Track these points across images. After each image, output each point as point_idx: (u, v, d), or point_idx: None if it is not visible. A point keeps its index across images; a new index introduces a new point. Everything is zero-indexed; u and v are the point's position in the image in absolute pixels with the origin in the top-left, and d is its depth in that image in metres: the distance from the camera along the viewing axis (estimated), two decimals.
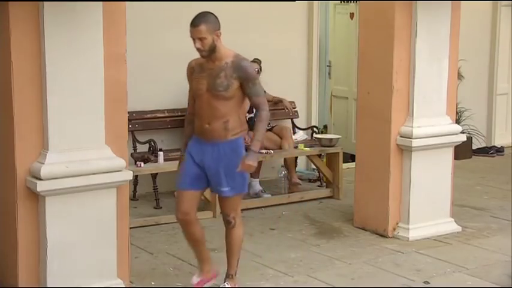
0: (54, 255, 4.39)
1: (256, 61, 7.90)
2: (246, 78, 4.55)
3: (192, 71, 4.72)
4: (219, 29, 4.60)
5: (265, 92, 8.03)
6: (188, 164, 4.70)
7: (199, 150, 4.66)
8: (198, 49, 4.53)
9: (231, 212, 4.75)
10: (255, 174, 7.48)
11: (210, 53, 4.55)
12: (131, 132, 7.15)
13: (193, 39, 4.52)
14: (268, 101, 7.99)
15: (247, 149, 4.59)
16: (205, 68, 4.61)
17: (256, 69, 7.83)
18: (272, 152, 7.30)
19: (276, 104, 8.22)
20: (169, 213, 6.72)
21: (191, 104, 4.77)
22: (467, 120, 9.50)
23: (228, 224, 4.80)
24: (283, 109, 8.23)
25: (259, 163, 7.40)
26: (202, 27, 4.50)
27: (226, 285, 4.83)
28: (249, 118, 7.73)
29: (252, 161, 4.50)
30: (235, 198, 4.73)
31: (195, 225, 4.78)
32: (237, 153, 4.61)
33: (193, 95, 4.70)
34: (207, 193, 6.76)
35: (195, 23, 4.52)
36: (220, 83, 4.52)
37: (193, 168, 4.68)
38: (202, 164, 4.65)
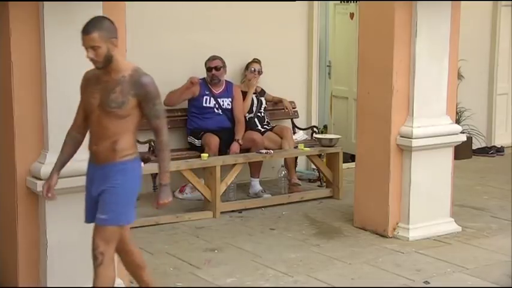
0: (54, 255, 4.39)
1: (256, 61, 7.91)
2: (145, 97, 4.04)
3: (87, 83, 4.08)
4: (115, 36, 3.99)
5: (265, 92, 8.10)
6: (86, 194, 4.15)
7: (91, 176, 4.12)
8: (91, 60, 3.95)
9: (100, 244, 4.00)
10: (255, 174, 7.48)
11: (105, 64, 3.98)
12: None
13: (86, 49, 3.92)
14: (268, 101, 8.09)
15: (159, 185, 4.21)
16: (101, 80, 4.02)
17: (257, 70, 7.85)
18: (272, 152, 7.30)
19: (276, 104, 8.23)
20: (169, 213, 6.73)
21: (77, 118, 4.14)
22: (467, 120, 9.50)
23: (95, 260, 4.02)
24: (283, 109, 8.24)
25: (260, 163, 7.41)
26: (95, 35, 3.90)
27: None
28: (248, 118, 7.75)
29: (166, 199, 4.15)
30: (110, 229, 4.02)
31: (128, 255, 4.31)
32: (126, 177, 4.06)
33: (84, 110, 4.09)
34: (207, 193, 6.77)
35: (87, 29, 3.90)
36: (114, 98, 3.96)
37: (89, 197, 4.13)
38: (95, 191, 4.07)
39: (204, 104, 7.49)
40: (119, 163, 4.03)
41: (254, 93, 7.88)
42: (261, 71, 7.89)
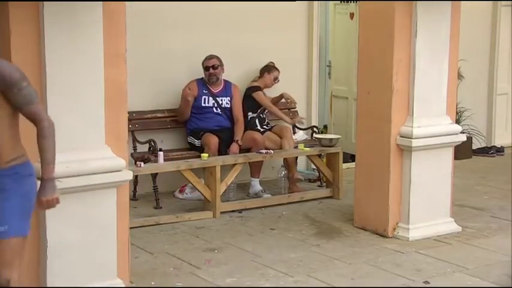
0: (54, 255, 4.39)
1: (271, 64, 7.92)
2: (4, 84, 3.42)
3: None
4: None
5: (265, 94, 8.09)
6: None
7: None
8: None
9: (6, 266, 3.46)
10: (255, 174, 7.48)
11: None
12: (131, 132, 7.15)
13: None
14: (271, 102, 8.08)
15: (41, 180, 3.56)
16: None
17: (277, 79, 7.89)
18: (272, 152, 7.30)
19: (277, 103, 8.22)
20: (169, 213, 6.74)
21: None
22: (467, 120, 9.50)
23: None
24: (286, 102, 8.23)
25: (260, 163, 7.40)
26: None
27: None
28: (250, 118, 7.74)
29: (50, 195, 3.53)
30: (14, 242, 3.49)
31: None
32: (18, 183, 3.55)
33: None
34: (207, 193, 6.77)
35: None
36: None
37: None
38: None
39: (203, 104, 7.49)
40: (7, 169, 3.52)
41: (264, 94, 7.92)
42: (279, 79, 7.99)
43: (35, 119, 3.51)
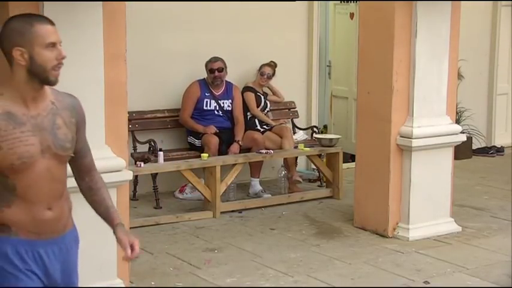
0: None
1: (269, 64, 7.90)
2: (83, 124, 2.96)
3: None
4: (21, 44, 2.68)
5: (267, 94, 8.09)
6: None
7: (37, 259, 2.75)
8: (60, 63, 2.80)
9: None
10: (255, 174, 7.48)
11: None
12: (131, 132, 7.15)
13: (55, 45, 2.79)
14: (272, 101, 8.07)
15: (114, 226, 3.03)
16: (28, 115, 2.70)
17: (266, 74, 7.87)
18: (272, 152, 7.30)
19: (277, 103, 8.23)
20: (169, 213, 6.74)
21: None
22: (467, 120, 9.50)
23: None
24: (286, 103, 8.25)
25: (260, 163, 7.40)
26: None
27: None
28: (250, 118, 7.73)
29: (133, 238, 3.06)
30: None
31: None
32: (78, 244, 3.05)
33: (4, 168, 2.66)
34: (207, 193, 6.77)
35: (48, 20, 2.81)
36: (64, 137, 2.78)
37: None
38: (48, 281, 2.81)
39: (205, 107, 7.46)
40: (74, 229, 2.98)
41: (262, 94, 7.90)
42: (271, 75, 7.91)
43: (90, 169, 3.00)
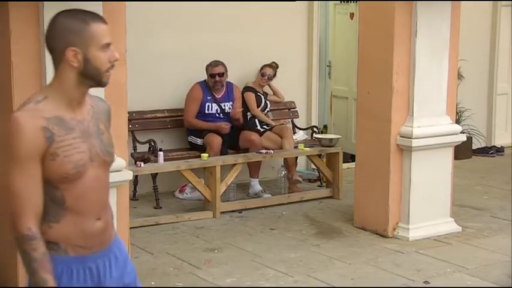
0: None
1: (270, 65, 7.90)
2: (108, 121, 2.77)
3: (45, 133, 2.44)
4: (76, 44, 2.49)
5: (267, 94, 8.08)
6: None
7: (89, 276, 2.60)
8: (112, 66, 2.61)
9: None
10: (254, 174, 7.48)
11: None
12: (131, 132, 7.15)
13: (106, 46, 2.56)
14: (272, 101, 8.07)
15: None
16: (75, 120, 2.54)
17: (267, 75, 7.87)
18: (272, 152, 7.29)
19: (277, 103, 8.23)
20: (169, 213, 6.74)
21: (34, 202, 2.46)
22: (467, 120, 9.50)
23: None
24: (287, 103, 8.25)
25: (258, 163, 7.40)
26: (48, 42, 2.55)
27: None
28: (250, 117, 7.72)
29: None
30: None
31: None
32: (125, 249, 2.86)
33: (56, 179, 2.48)
34: (207, 193, 6.77)
35: (102, 18, 2.60)
36: (108, 142, 2.66)
37: None
38: None
39: (207, 111, 7.43)
40: (116, 236, 2.80)
41: (262, 94, 7.90)
42: (272, 76, 7.91)
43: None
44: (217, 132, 7.34)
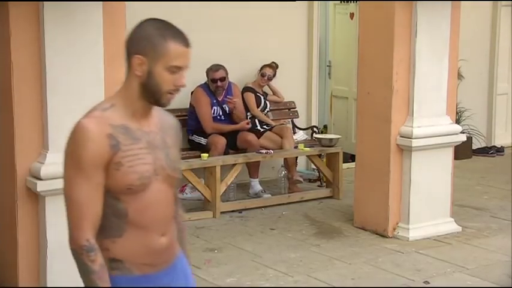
0: (54, 255, 4.39)
1: (270, 65, 7.89)
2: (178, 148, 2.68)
3: (110, 141, 2.38)
4: (145, 54, 2.41)
5: (267, 94, 8.08)
6: None
7: None
8: (176, 91, 2.49)
9: None
10: (253, 174, 7.47)
11: None
12: None
13: (179, 68, 2.45)
14: (272, 101, 8.06)
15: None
16: (142, 131, 2.46)
17: (267, 76, 7.86)
18: (272, 152, 7.29)
19: (277, 103, 8.23)
20: None
21: (91, 212, 2.41)
22: (467, 120, 9.50)
23: None
24: (287, 103, 8.24)
25: (257, 163, 7.39)
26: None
27: None
28: (250, 117, 7.72)
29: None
30: None
31: None
32: (189, 268, 2.76)
33: (119, 190, 2.41)
34: (207, 193, 6.77)
35: (186, 40, 2.51)
36: (174, 157, 2.56)
37: None
38: None
39: (213, 115, 7.43)
40: (180, 252, 2.68)
41: (262, 95, 7.90)
42: (271, 77, 7.91)
43: (176, 199, 2.68)
44: (221, 132, 7.33)
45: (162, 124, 2.53)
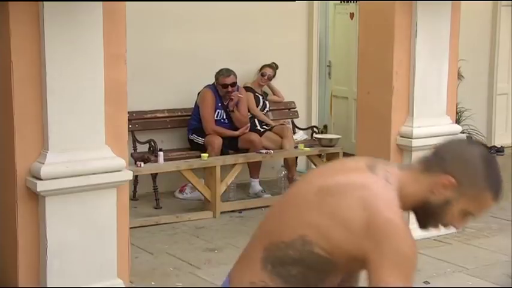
0: (54, 255, 4.39)
1: (269, 65, 7.88)
2: None
3: None
4: (456, 177, 2.24)
5: (268, 94, 8.08)
6: None
7: None
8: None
9: None
10: (254, 174, 7.47)
11: None
12: (131, 132, 7.14)
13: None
14: (272, 101, 8.06)
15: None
16: None
17: (267, 75, 7.86)
18: (272, 152, 7.29)
19: (277, 103, 8.23)
20: (169, 213, 6.74)
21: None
22: (467, 120, 9.49)
23: None
24: (287, 103, 8.23)
25: (258, 163, 7.39)
26: None
27: None
28: (250, 118, 7.71)
29: None
30: None
31: None
32: None
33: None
34: (207, 193, 6.77)
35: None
36: None
37: None
38: None
39: (215, 118, 7.39)
40: None
41: (261, 95, 7.89)
42: (271, 77, 7.90)
43: None
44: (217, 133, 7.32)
45: None
